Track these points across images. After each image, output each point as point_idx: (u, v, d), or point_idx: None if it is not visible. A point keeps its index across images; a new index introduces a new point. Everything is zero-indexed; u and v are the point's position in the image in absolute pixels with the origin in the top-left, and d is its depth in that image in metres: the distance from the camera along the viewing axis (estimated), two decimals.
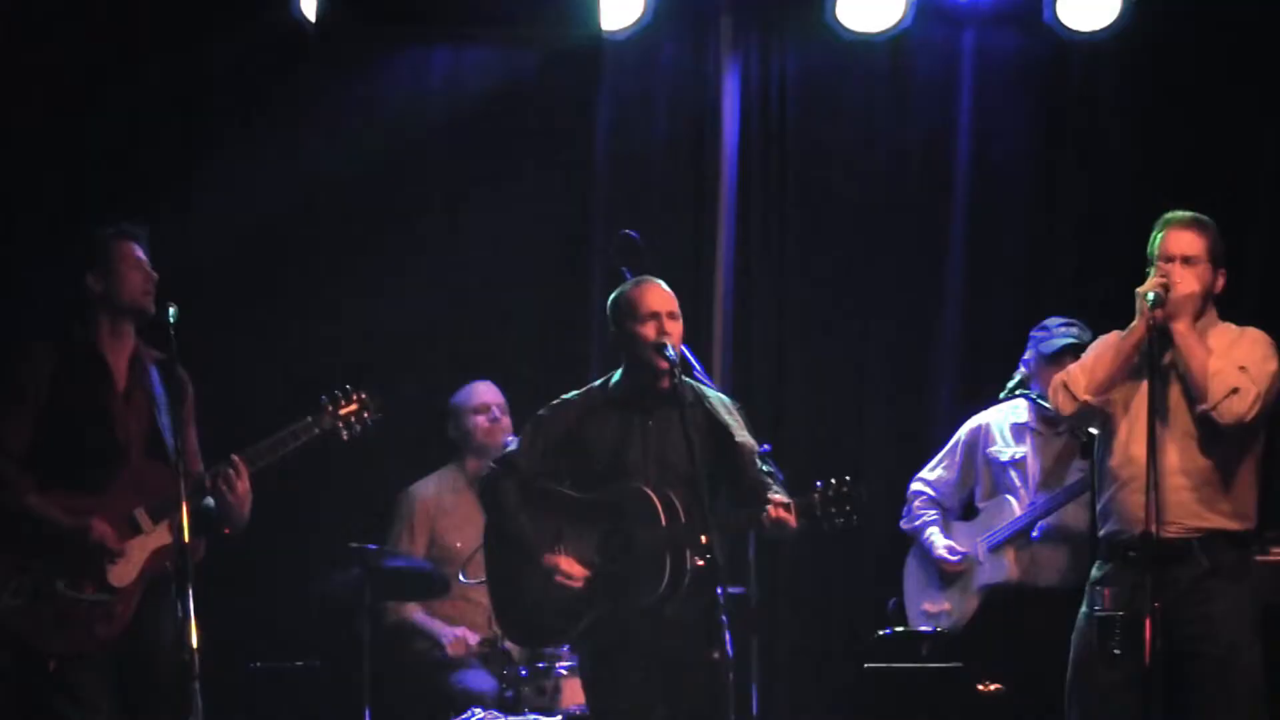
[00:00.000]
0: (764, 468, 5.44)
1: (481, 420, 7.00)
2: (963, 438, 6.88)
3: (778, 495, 5.30)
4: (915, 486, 6.90)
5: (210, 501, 5.42)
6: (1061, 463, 6.67)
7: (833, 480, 5.28)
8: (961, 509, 6.91)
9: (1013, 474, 6.73)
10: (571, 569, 5.38)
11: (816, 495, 5.28)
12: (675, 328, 5.44)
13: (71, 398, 5.37)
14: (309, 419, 5.54)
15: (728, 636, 5.05)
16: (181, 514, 5.06)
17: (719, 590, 5.01)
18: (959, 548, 6.74)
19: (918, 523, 6.86)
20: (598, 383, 5.59)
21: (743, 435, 5.45)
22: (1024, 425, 6.77)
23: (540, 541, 5.43)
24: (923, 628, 6.74)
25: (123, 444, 5.41)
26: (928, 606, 6.79)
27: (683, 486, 5.32)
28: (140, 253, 5.48)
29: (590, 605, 5.39)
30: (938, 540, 6.78)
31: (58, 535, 5.27)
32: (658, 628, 5.32)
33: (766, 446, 5.68)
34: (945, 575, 6.78)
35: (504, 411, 7.01)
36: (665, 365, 5.34)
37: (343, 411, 5.58)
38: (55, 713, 5.29)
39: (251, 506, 5.46)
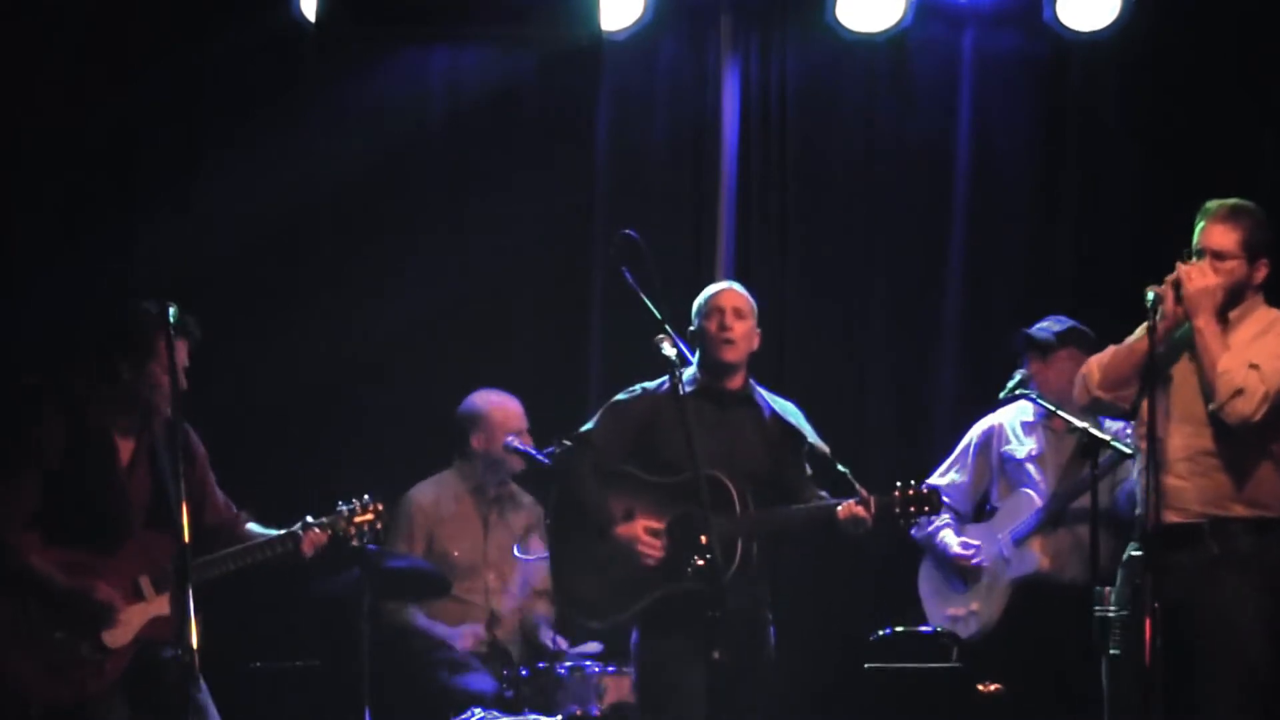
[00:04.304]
0: (843, 469, 5.60)
1: (485, 441, 6.98)
2: (974, 440, 6.87)
3: (860, 490, 5.50)
4: None
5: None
6: (1075, 459, 6.66)
7: (912, 481, 5.51)
8: (974, 513, 6.90)
9: (1030, 469, 6.73)
10: (650, 539, 5.53)
11: (897, 494, 5.49)
12: (740, 325, 5.68)
13: (79, 471, 5.45)
14: (326, 519, 5.78)
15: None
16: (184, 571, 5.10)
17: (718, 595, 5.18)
18: (974, 542, 6.72)
19: (930, 528, 6.81)
20: (678, 375, 5.60)
21: (813, 437, 5.68)
22: (1034, 422, 6.78)
23: (611, 518, 5.59)
24: (928, 629, 6.74)
25: (127, 516, 5.52)
26: (953, 611, 6.75)
27: (749, 483, 5.51)
28: (184, 357, 5.41)
29: (656, 584, 5.53)
30: (951, 539, 6.75)
31: (58, 593, 5.38)
32: (709, 618, 5.33)
33: None
34: (966, 575, 6.75)
35: (521, 426, 6.97)
36: (730, 359, 5.63)
37: (358, 519, 5.86)
38: None
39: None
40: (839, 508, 5.46)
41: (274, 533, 5.71)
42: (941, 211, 7.61)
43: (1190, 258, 5.26)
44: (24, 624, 5.36)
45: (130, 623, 5.45)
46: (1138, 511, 5.33)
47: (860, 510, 5.44)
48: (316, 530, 5.73)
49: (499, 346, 7.45)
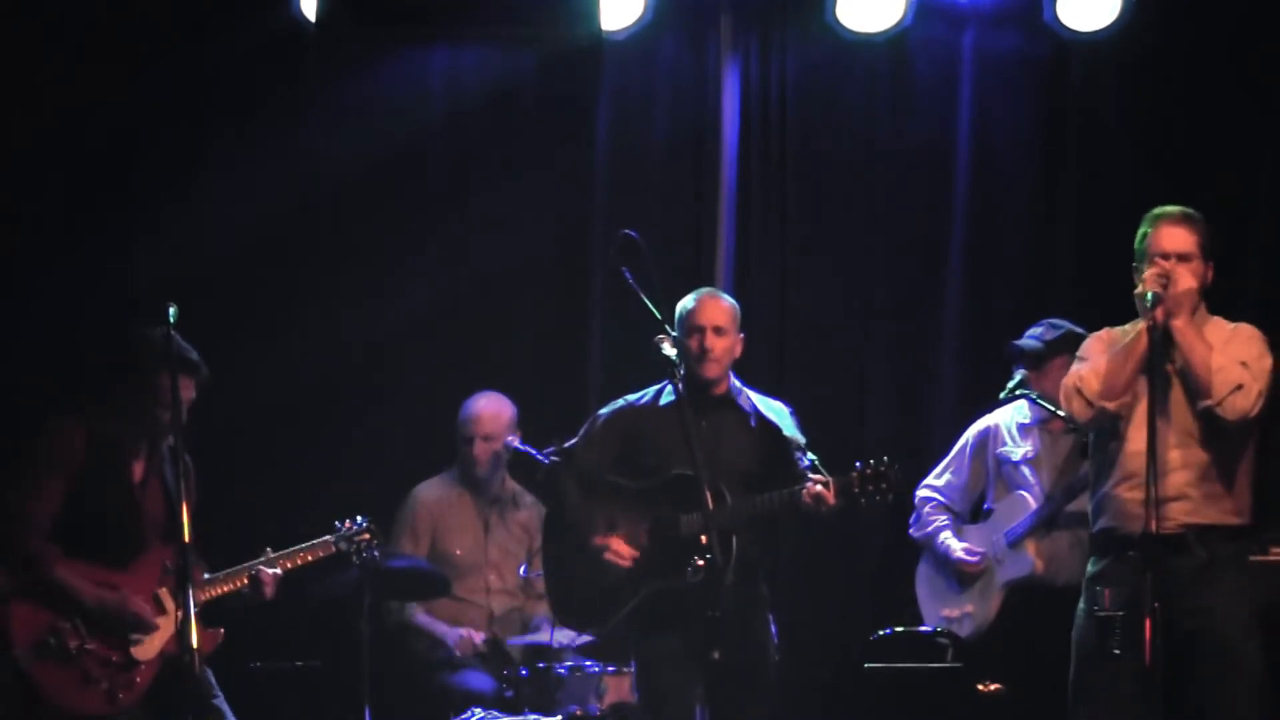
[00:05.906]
0: (811, 458, 5.66)
1: (468, 450, 6.99)
2: (970, 441, 6.88)
3: (817, 475, 5.55)
4: (922, 493, 6.88)
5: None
6: (1071, 460, 6.66)
7: (871, 460, 5.53)
8: (970, 513, 6.90)
9: (1025, 471, 6.72)
10: (620, 548, 5.62)
11: (855, 474, 5.52)
12: (720, 343, 5.73)
13: (94, 485, 5.48)
14: (328, 538, 5.87)
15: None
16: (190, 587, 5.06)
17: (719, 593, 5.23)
18: (976, 548, 6.73)
19: (929, 529, 6.84)
20: (678, 375, 5.62)
21: (791, 431, 5.73)
22: (1030, 424, 6.77)
23: (594, 527, 5.67)
24: (927, 629, 6.74)
25: (143, 531, 5.55)
26: (948, 612, 6.76)
27: (736, 484, 5.57)
28: (191, 391, 5.46)
29: (639, 586, 5.60)
30: (954, 543, 6.76)
31: (89, 604, 5.40)
32: (708, 618, 5.35)
33: None
34: (964, 578, 6.76)
35: (504, 430, 6.95)
36: (710, 375, 5.70)
37: (356, 539, 5.95)
38: None
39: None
40: (802, 491, 5.51)
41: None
42: (941, 211, 7.61)
43: (1137, 264, 5.30)
44: (54, 636, 5.37)
45: (156, 635, 5.48)
46: (1095, 527, 5.37)
47: (821, 490, 5.48)
48: (271, 571, 5.72)
49: (499, 347, 7.45)
